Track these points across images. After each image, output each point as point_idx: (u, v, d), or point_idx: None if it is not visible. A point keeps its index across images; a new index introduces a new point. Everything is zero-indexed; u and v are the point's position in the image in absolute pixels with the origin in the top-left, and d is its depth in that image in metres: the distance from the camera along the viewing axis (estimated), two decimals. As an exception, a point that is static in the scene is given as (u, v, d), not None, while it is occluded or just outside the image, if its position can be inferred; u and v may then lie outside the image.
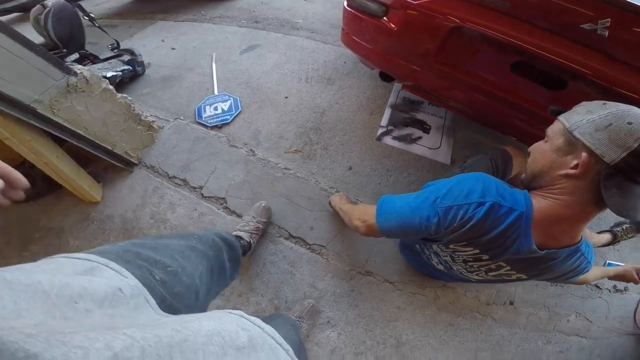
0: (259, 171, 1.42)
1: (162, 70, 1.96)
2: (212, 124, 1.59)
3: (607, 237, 1.23)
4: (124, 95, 1.33)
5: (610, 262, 1.24)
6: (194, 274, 0.56)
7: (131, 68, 1.83)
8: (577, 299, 1.33)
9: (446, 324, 1.20)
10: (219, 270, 0.71)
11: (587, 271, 0.77)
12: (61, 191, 1.31)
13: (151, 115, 1.58)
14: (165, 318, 0.38)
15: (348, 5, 1.41)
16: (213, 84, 1.82)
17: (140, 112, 1.40)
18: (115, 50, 1.97)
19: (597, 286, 1.37)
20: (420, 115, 1.78)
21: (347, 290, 1.21)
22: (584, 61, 0.98)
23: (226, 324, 0.33)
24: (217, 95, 1.74)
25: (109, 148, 1.29)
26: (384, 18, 1.28)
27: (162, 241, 0.58)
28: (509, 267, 0.76)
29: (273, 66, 2.00)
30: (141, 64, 1.89)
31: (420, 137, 1.67)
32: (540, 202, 0.66)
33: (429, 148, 1.63)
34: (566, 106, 0.77)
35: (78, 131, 1.17)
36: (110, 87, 1.26)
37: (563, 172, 0.62)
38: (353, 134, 1.63)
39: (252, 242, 1.13)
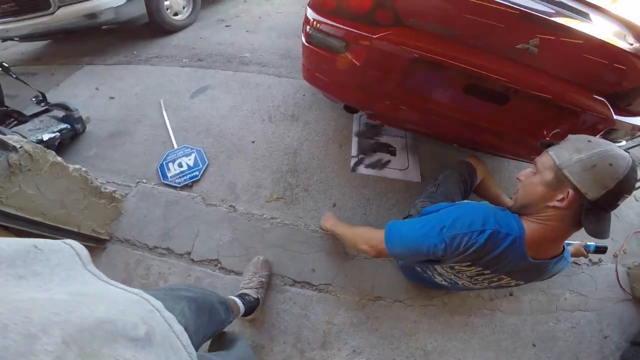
0: (245, 226, 1.39)
1: (106, 125, 1.81)
2: (181, 184, 1.51)
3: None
4: (77, 166, 1.19)
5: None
6: (174, 308, 0.56)
7: (69, 126, 1.64)
8: (564, 278, 1.56)
9: (462, 325, 1.33)
10: (209, 311, 0.72)
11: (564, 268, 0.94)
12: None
13: (108, 182, 1.45)
14: (80, 280, 0.38)
15: (307, 42, 1.45)
16: (170, 136, 1.73)
17: (100, 184, 1.28)
18: (43, 105, 1.73)
19: (575, 263, 1.62)
20: (384, 139, 1.93)
21: (363, 318, 1.27)
22: (520, 77, 1.19)
23: (127, 315, 0.35)
24: (177, 150, 1.66)
25: (75, 230, 1.16)
26: (346, 53, 1.36)
27: None
28: (509, 278, 0.90)
29: (231, 108, 1.97)
30: (80, 120, 1.70)
31: (389, 161, 1.80)
32: (530, 226, 0.79)
33: (399, 170, 1.77)
34: (511, 118, 1.12)
35: (35, 218, 1.03)
36: (59, 159, 1.12)
37: (551, 204, 0.75)
38: (329, 170, 1.68)
39: (259, 297, 1.16)
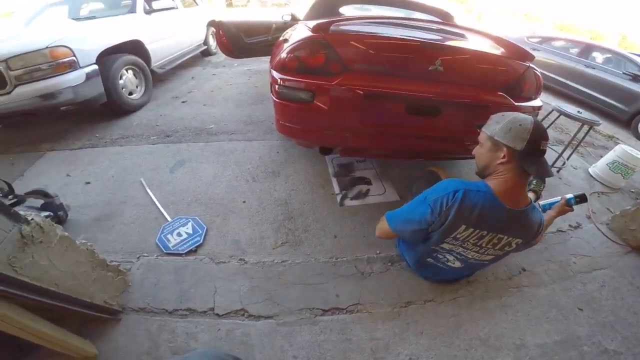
0: (260, 274, 1.57)
1: (89, 210, 1.91)
2: (186, 250, 1.67)
3: (533, 196, 1.84)
4: (83, 240, 1.32)
5: (542, 203, 1.61)
6: None
7: (52, 214, 1.71)
8: (559, 245, 1.93)
9: (499, 307, 1.55)
10: None
11: (543, 221, 1.28)
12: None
13: (110, 261, 1.55)
14: None
15: (278, 98, 1.80)
16: (160, 211, 1.91)
17: (104, 259, 1.40)
18: (11, 197, 1.65)
19: (560, 231, 2.03)
20: (357, 174, 2.36)
21: (403, 325, 1.43)
22: (439, 91, 1.73)
23: None
24: (172, 222, 1.84)
25: (88, 301, 1.24)
26: (313, 102, 1.74)
27: None
28: (505, 236, 1.21)
29: (213, 176, 2.24)
30: (61, 206, 1.77)
31: (368, 190, 2.20)
32: (493, 182, 1.16)
33: (379, 195, 2.17)
34: (446, 125, 1.72)
35: (50, 288, 1.11)
36: (66, 233, 1.25)
37: (498, 162, 1.13)
38: (321, 209, 2.00)
39: None
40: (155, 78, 3.78)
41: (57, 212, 1.75)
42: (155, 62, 3.70)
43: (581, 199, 1.55)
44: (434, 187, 1.24)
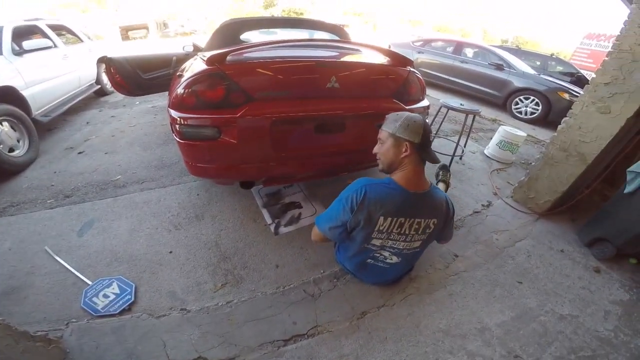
0: (207, 319, 1.59)
1: None
2: (119, 310, 1.61)
3: (443, 186, 2.15)
4: None
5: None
6: None
7: None
8: (480, 226, 2.34)
9: (447, 297, 1.78)
10: None
11: (448, 198, 1.59)
12: None
13: (34, 332, 1.42)
14: None
15: (182, 139, 1.75)
16: (77, 276, 1.79)
17: (26, 330, 1.30)
18: None
19: (475, 212, 2.47)
20: (286, 199, 2.54)
21: (366, 336, 1.55)
22: (340, 107, 1.91)
23: None
24: (94, 285, 1.74)
25: None
26: (221, 137, 1.73)
27: None
28: (421, 219, 1.46)
29: (130, 232, 2.15)
30: None
31: (300, 213, 2.39)
32: (396, 175, 1.45)
33: (312, 215, 2.36)
34: (354, 137, 1.97)
35: None
36: None
37: (402, 156, 1.41)
38: (256, 243, 2.11)
39: None
40: (41, 128, 3.42)
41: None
42: (36, 110, 3.34)
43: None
44: (347, 187, 1.50)
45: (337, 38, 3.19)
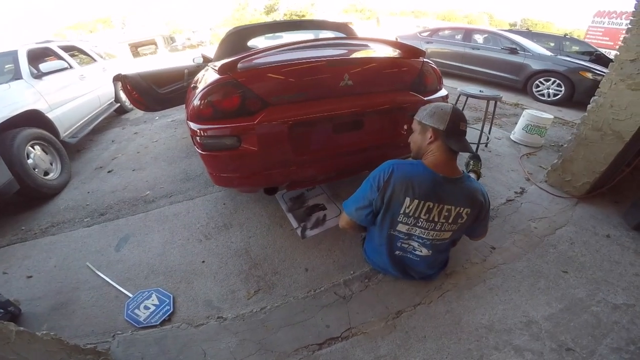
0: (244, 327, 1.67)
1: (41, 302, 1.87)
2: (159, 321, 1.71)
3: (474, 176, 1.99)
4: (44, 332, 1.32)
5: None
6: None
7: (2, 311, 1.70)
8: (515, 215, 2.28)
9: (488, 291, 1.75)
10: None
11: (484, 189, 1.54)
12: None
13: (83, 345, 1.52)
14: None
15: (203, 151, 1.80)
16: (119, 290, 1.91)
17: (77, 344, 1.39)
18: None
19: (509, 200, 2.40)
20: (310, 202, 2.59)
21: (404, 335, 1.55)
22: (357, 104, 1.90)
23: None
24: (135, 297, 1.85)
25: None
26: (241, 146, 1.76)
27: None
28: (451, 206, 1.43)
29: (163, 245, 2.27)
30: (9, 302, 1.75)
31: (325, 215, 2.44)
32: (426, 160, 1.48)
33: (337, 216, 2.40)
34: (374, 133, 2.00)
35: None
36: (21, 328, 1.25)
37: (427, 142, 1.46)
38: (284, 248, 2.17)
39: None
40: (71, 150, 3.64)
41: (6, 308, 1.74)
42: (64, 132, 3.53)
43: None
44: (376, 169, 1.53)
45: (344, 36, 3.20)
